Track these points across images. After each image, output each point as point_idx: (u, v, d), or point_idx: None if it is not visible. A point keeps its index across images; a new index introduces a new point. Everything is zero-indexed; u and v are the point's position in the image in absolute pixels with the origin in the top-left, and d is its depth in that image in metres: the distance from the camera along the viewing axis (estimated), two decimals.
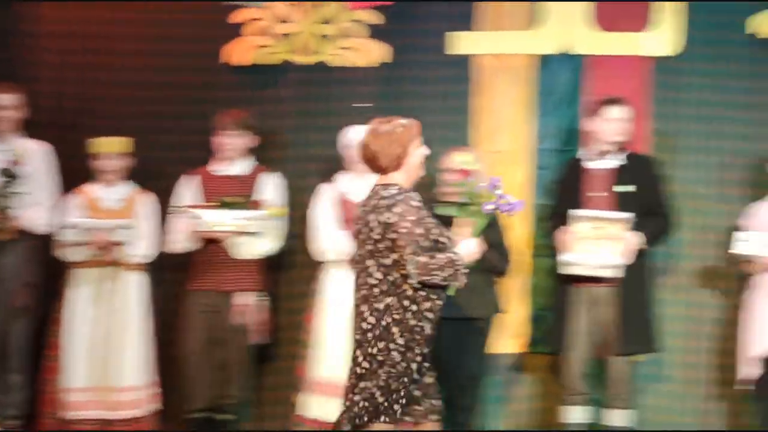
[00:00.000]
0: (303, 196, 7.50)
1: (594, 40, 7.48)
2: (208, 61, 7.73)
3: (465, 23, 7.57)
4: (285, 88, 7.70)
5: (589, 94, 7.42)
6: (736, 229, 6.89)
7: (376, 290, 5.30)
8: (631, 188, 6.84)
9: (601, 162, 6.93)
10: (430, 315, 5.33)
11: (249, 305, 7.12)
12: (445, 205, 6.76)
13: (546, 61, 7.53)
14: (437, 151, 7.30)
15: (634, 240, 6.73)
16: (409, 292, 5.28)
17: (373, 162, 5.36)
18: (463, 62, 7.58)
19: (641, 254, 6.80)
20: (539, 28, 7.51)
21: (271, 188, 7.23)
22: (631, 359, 6.87)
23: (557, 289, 7.03)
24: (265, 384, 7.61)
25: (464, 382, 6.80)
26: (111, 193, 7.28)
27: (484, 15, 7.56)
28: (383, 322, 5.28)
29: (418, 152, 5.39)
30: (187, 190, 7.23)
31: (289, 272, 7.62)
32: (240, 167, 7.25)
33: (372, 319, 5.29)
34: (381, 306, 5.28)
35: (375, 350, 5.28)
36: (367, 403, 5.27)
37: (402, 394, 5.30)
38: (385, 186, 5.34)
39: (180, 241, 7.16)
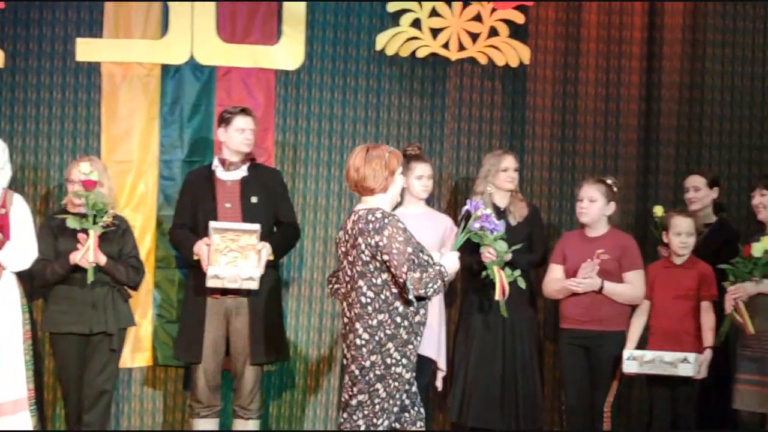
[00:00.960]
0: None
1: (220, 52, 7.49)
2: None
3: (94, 30, 7.37)
4: None
5: (216, 105, 7.42)
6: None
7: (369, 308, 5.57)
8: (256, 199, 6.88)
9: (230, 173, 6.93)
10: (420, 329, 5.66)
11: None
12: (70, 215, 6.59)
13: (172, 70, 7.45)
14: (67, 161, 7.13)
15: (267, 250, 6.77)
16: (401, 309, 5.59)
17: (360, 183, 5.62)
18: (91, 70, 7.38)
19: (272, 264, 6.85)
20: (166, 37, 7.42)
21: None
22: (261, 369, 6.90)
23: (186, 301, 6.97)
24: None
25: (92, 397, 6.64)
26: None
27: (112, 22, 7.38)
28: (376, 338, 5.56)
29: (400, 179, 5.71)
30: None
31: None
32: None
33: (366, 336, 5.56)
34: (374, 322, 5.56)
35: (368, 363, 5.57)
36: (371, 415, 5.60)
37: (399, 405, 5.63)
38: (370, 210, 5.59)
39: None
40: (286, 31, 7.55)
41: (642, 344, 6.83)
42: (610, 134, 7.93)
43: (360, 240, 5.57)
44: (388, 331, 5.57)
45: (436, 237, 6.99)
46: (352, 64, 7.66)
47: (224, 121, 6.94)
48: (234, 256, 6.70)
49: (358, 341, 5.60)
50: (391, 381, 5.60)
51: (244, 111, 6.96)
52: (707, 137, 7.99)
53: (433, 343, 6.97)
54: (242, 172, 6.94)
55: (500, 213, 7.01)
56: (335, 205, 7.65)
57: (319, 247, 7.62)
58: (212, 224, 6.70)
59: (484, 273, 6.76)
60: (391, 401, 5.61)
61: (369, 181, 5.62)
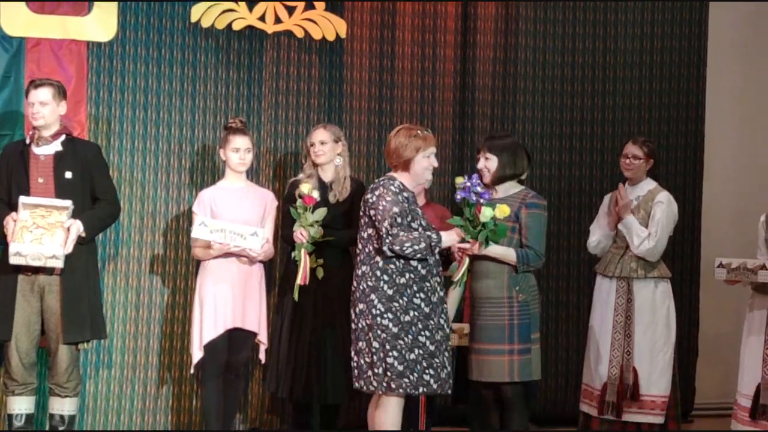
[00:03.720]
0: None
1: (29, 22, 7.29)
2: None
3: None
4: None
5: (26, 77, 7.22)
6: (192, 214, 7.03)
7: (357, 259, 6.24)
8: (71, 174, 6.75)
9: (44, 147, 6.77)
10: (407, 290, 6.08)
11: None
12: None
13: None
14: None
15: (76, 228, 6.64)
16: (381, 264, 6.11)
17: (389, 156, 6.25)
18: None
19: (86, 241, 6.74)
20: None
21: None
22: (77, 347, 6.80)
23: (0, 278, 6.80)
24: None
25: None
26: None
27: None
28: (361, 287, 6.16)
29: (422, 160, 6.20)
30: None
31: None
32: None
33: (354, 283, 6.23)
34: (359, 272, 6.19)
35: (358, 310, 6.17)
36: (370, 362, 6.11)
37: (394, 362, 6.04)
38: (386, 177, 6.22)
39: None
40: (98, 3, 7.40)
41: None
42: (427, 108, 8.04)
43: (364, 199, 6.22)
44: (370, 283, 6.11)
45: (256, 211, 7.01)
46: (167, 36, 7.57)
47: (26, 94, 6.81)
48: (40, 233, 6.56)
49: (352, 288, 6.22)
50: (379, 332, 6.07)
51: (34, 83, 6.79)
52: (521, 111, 8.17)
53: (254, 317, 6.99)
54: (56, 146, 6.78)
55: (324, 188, 7.04)
56: (151, 179, 7.55)
57: (135, 221, 7.52)
58: (22, 199, 6.55)
59: (293, 254, 6.86)
60: (382, 354, 6.05)
61: (391, 156, 6.22)
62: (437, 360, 6.11)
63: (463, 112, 8.10)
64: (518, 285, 6.44)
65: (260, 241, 6.86)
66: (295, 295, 6.84)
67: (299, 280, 6.81)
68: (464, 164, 8.01)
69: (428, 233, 6.10)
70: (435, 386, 6.11)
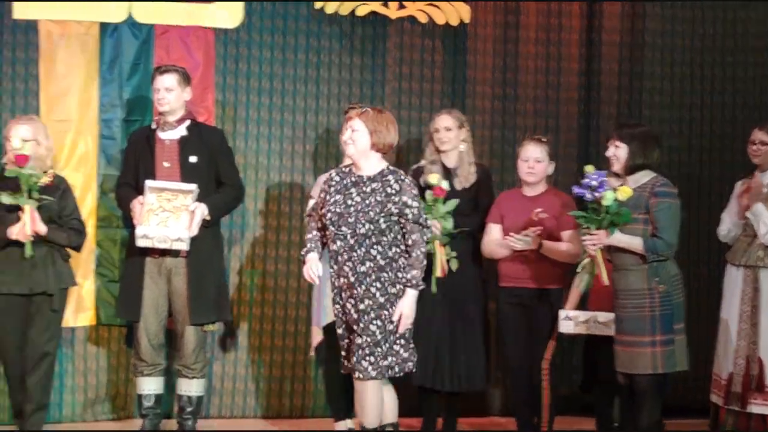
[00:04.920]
0: None
1: (158, 10, 7.43)
2: None
3: None
4: None
5: (154, 63, 7.35)
6: (310, 198, 7.08)
7: None
8: (195, 159, 6.86)
9: (169, 132, 6.89)
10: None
11: None
12: (4, 192, 6.52)
13: (110, 29, 7.39)
14: (6, 120, 7.07)
15: (201, 211, 6.74)
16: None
17: None
18: (28, 28, 7.30)
19: (211, 225, 6.83)
20: None
21: None
22: (203, 328, 6.91)
23: (128, 261, 6.95)
24: None
25: (35, 358, 6.61)
26: None
27: None
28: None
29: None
30: None
31: None
32: None
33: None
34: None
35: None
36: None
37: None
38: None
39: None
40: None
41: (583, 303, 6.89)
42: (551, 93, 7.96)
43: None
44: None
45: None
46: (291, 22, 7.64)
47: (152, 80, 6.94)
48: (166, 216, 6.69)
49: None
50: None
51: (159, 69, 6.93)
52: (647, 96, 8.02)
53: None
54: (181, 131, 6.90)
55: (448, 174, 7.02)
56: (276, 165, 7.65)
57: (260, 205, 7.63)
58: (148, 183, 6.68)
59: (427, 246, 6.82)
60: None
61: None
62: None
63: (588, 97, 8.01)
64: (658, 276, 6.30)
65: None
66: (433, 288, 6.79)
67: (437, 273, 6.78)
68: (588, 149, 7.93)
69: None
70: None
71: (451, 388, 6.97)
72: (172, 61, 7.22)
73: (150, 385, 6.94)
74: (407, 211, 5.85)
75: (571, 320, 6.75)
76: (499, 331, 7.09)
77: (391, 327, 5.86)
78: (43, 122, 6.89)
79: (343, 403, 7.00)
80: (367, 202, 5.85)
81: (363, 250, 5.84)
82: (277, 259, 7.64)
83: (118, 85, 7.41)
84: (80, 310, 7.34)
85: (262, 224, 7.63)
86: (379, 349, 5.82)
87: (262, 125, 7.64)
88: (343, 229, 5.85)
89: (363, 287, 5.83)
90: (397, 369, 5.90)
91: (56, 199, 6.67)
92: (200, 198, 6.74)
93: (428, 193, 6.78)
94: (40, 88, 7.31)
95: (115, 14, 7.36)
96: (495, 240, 6.96)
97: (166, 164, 6.83)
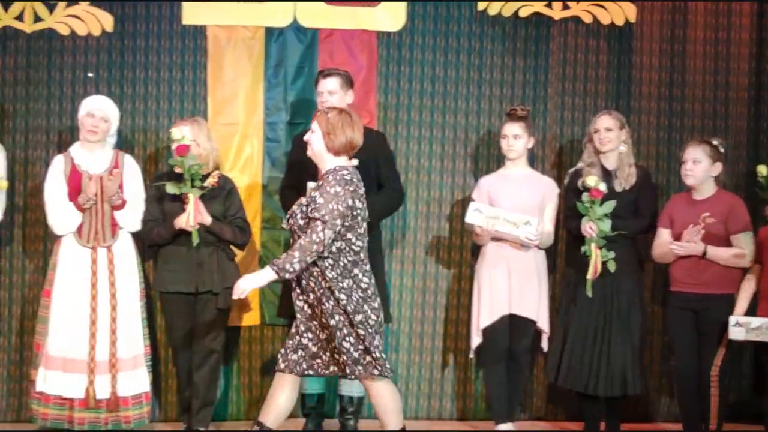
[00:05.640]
0: (30, 168, 7.34)
1: (323, 13, 7.52)
2: None
3: None
4: (8, 56, 7.38)
5: (318, 67, 7.43)
6: (471, 200, 7.10)
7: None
8: (357, 161, 6.89)
9: None
10: None
11: None
12: (169, 182, 6.70)
13: (276, 33, 7.51)
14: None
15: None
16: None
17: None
18: (196, 33, 7.47)
19: (371, 227, 6.87)
20: (269, 0, 7.49)
21: None
22: None
23: None
24: None
25: (202, 355, 6.77)
26: None
27: None
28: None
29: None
30: None
31: (9, 246, 7.37)
32: None
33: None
34: None
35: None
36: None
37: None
38: None
39: None
40: None
41: (753, 308, 6.70)
42: (720, 93, 7.76)
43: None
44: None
45: (534, 199, 7.01)
46: (454, 24, 7.62)
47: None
48: None
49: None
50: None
51: (322, 73, 7.00)
52: None
53: (532, 304, 6.96)
54: None
55: (608, 176, 6.92)
56: (438, 167, 7.65)
57: (422, 208, 7.64)
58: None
59: (582, 248, 6.76)
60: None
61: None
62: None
63: (758, 97, 7.79)
64: None
65: (533, 230, 6.81)
66: (588, 291, 6.75)
67: (590, 275, 6.73)
68: (758, 150, 7.72)
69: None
70: None
71: (605, 393, 6.86)
72: (335, 64, 7.29)
73: (313, 385, 7.02)
74: (312, 205, 5.78)
75: (741, 327, 6.57)
76: (668, 336, 6.95)
77: (333, 322, 5.80)
78: (209, 126, 7.05)
79: (504, 405, 6.96)
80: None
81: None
82: (437, 262, 7.63)
83: (282, 89, 7.53)
84: (245, 310, 7.47)
85: (423, 226, 7.65)
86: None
87: (424, 127, 7.65)
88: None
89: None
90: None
91: (221, 199, 6.82)
92: None
93: (585, 195, 6.72)
94: (208, 93, 7.47)
95: (281, 19, 7.48)
96: (663, 244, 6.83)
97: None
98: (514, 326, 6.99)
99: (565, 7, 7.63)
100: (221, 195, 6.85)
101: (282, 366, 5.87)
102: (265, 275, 5.72)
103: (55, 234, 6.86)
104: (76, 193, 6.77)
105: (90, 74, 7.37)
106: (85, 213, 6.77)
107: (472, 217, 6.87)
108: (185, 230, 6.67)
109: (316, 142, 5.88)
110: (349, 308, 5.72)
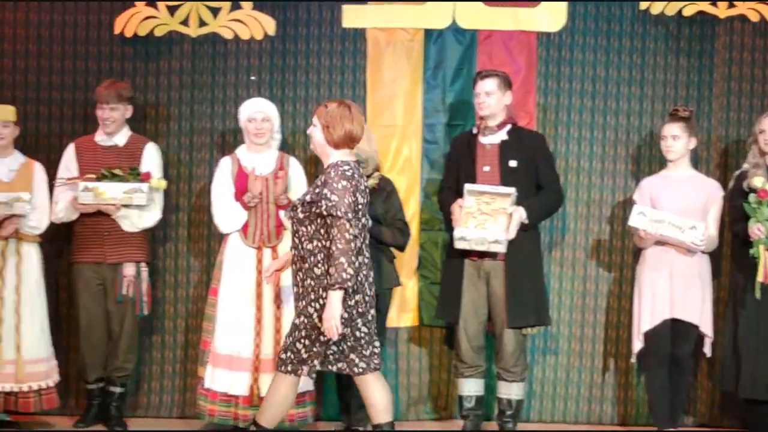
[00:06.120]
0: (194, 169, 7.50)
1: (482, 15, 7.50)
2: (97, 32, 7.57)
3: None
4: (173, 60, 7.58)
5: (477, 69, 7.40)
6: (632, 203, 7.00)
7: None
8: (515, 163, 6.87)
9: (490, 137, 6.94)
10: None
11: (133, 277, 7.04)
12: None
13: (435, 35, 7.52)
14: None
15: (519, 214, 6.75)
16: None
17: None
18: (356, 36, 7.54)
19: (529, 228, 6.83)
20: (428, 1, 7.50)
21: (151, 160, 7.14)
22: (522, 332, 6.90)
23: (448, 263, 7.03)
24: (152, 357, 7.56)
25: None
26: (1, 164, 7.08)
27: None
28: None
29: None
30: (72, 162, 7.09)
31: (174, 245, 7.55)
32: (119, 138, 7.13)
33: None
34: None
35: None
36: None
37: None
38: None
39: (62, 212, 7.03)
40: None
41: None
42: None
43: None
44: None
45: (698, 201, 6.86)
46: (615, 24, 7.51)
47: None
48: (484, 218, 6.74)
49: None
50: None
51: (479, 74, 6.98)
52: None
53: (695, 308, 6.82)
54: (502, 135, 6.93)
55: None
56: (598, 168, 7.55)
57: (582, 210, 7.55)
58: (468, 186, 6.76)
59: (750, 251, 6.60)
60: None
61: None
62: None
63: None
64: None
65: (699, 234, 6.66)
66: (757, 293, 6.61)
67: (760, 278, 6.57)
68: None
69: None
70: None
71: None
72: (494, 66, 7.27)
73: (470, 387, 7.00)
74: (323, 202, 5.70)
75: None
76: None
77: (297, 321, 5.84)
78: (369, 127, 7.09)
79: (666, 410, 6.84)
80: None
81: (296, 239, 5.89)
82: (598, 264, 7.53)
83: (441, 91, 7.54)
84: (403, 311, 7.51)
85: (584, 228, 7.55)
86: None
87: (585, 128, 7.56)
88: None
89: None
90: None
91: (381, 200, 6.87)
92: (519, 201, 6.74)
93: (752, 196, 6.57)
94: (367, 95, 7.53)
95: (440, 20, 7.49)
96: None
97: (486, 168, 6.88)
98: (677, 331, 6.86)
99: (731, 6, 7.44)
100: (381, 196, 6.90)
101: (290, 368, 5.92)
102: (335, 301, 5.74)
103: (221, 233, 7.01)
104: (242, 193, 6.92)
105: (252, 77, 7.51)
106: (250, 213, 6.90)
107: (635, 220, 6.77)
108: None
109: (315, 135, 5.91)
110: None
